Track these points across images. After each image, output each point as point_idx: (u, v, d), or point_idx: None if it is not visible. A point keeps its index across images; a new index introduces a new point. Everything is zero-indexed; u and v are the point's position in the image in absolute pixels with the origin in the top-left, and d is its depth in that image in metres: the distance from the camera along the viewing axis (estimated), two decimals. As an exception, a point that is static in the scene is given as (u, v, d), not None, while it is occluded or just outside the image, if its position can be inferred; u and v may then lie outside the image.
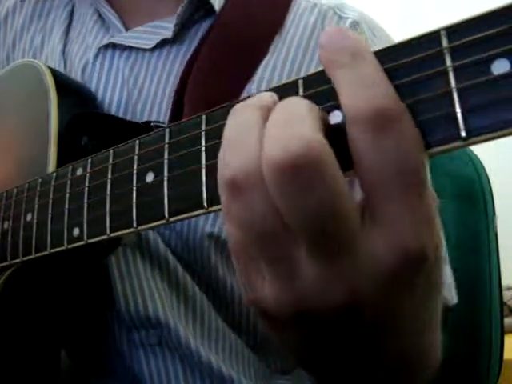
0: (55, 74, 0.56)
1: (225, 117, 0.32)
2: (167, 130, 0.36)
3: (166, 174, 0.35)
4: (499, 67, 0.25)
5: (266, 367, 0.64)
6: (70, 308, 0.55)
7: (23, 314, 0.52)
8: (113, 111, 0.60)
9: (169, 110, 0.59)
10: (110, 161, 0.39)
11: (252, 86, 0.59)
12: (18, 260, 0.48)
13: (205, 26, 0.62)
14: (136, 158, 0.37)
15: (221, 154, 0.29)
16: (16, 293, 0.51)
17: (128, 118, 0.59)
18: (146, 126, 0.53)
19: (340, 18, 0.63)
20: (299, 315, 0.29)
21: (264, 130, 0.27)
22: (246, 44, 0.60)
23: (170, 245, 0.58)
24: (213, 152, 0.32)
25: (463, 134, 0.25)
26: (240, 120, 0.29)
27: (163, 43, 0.62)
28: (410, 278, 0.28)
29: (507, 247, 0.95)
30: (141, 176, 0.37)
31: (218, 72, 0.59)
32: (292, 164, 0.25)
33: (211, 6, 0.61)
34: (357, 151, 0.26)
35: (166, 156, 0.35)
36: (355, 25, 0.63)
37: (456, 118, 0.25)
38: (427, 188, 0.27)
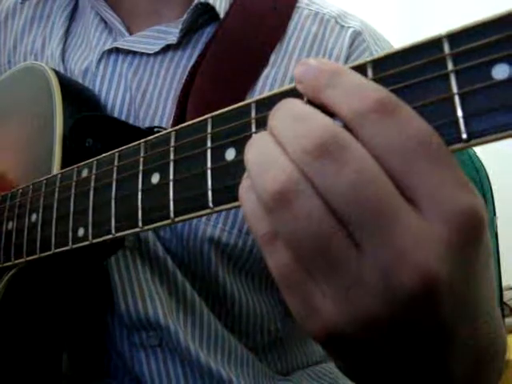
0: (60, 75, 0.56)
1: (230, 120, 0.33)
2: (173, 132, 0.36)
3: (171, 175, 0.35)
4: (500, 72, 0.25)
5: (266, 369, 0.65)
6: (71, 309, 0.55)
7: (26, 314, 0.52)
8: (115, 115, 0.61)
9: (172, 115, 0.59)
10: (116, 162, 0.40)
11: (253, 95, 0.59)
12: (21, 260, 0.48)
13: (208, 31, 0.63)
14: (142, 159, 0.38)
15: (252, 183, 0.28)
16: (19, 292, 0.51)
17: (131, 121, 0.60)
18: (149, 132, 0.53)
19: (342, 27, 0.63)
20: (377, 328, 0.27)
21: (280, 141, 0.28)
22: (248, 52, 0.61)
23: (170, 249, 0.58)
24: (218, 154, 0.33)
25: (464, 136, 0.26)
26: (257, 146, 0.29)
27: (166, 48, 0.62)
28: (474, 241, 0.26)
29: (507, 247, 0.95)
30: (146, 177, 0.37)
31: (221, 79, 0.59)
32: (319, 141, 0.26)
33: (216, 13, 0.61)
34: (373, 144, 0.26)
35: (171, 158, 0.36)
36: (357, 34, 0.63)
37: (458, 122, 0.26)
38: (449, 151, 0.26)
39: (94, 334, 0.59)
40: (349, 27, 0.63)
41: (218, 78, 0.59)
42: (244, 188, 0.29)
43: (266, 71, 0.60)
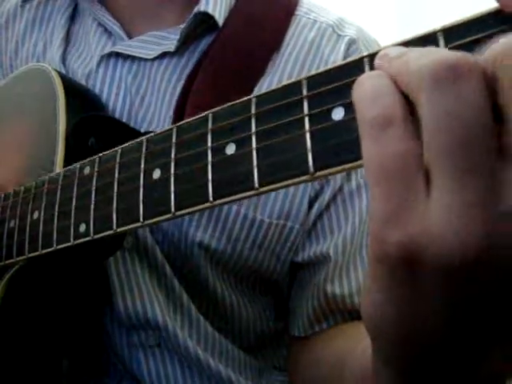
0: (63, 77, 0.57)
1: (230, 115, 0.34)
2: (174, 129, 0.37)
3: (172, 170, 0.36)
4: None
5: (263, 365, 0.65)
6: (71, 310, 0.55)
7: (25, 314, 0.52)
8: (116, 117, 0.61)
9: (167, 119, 0.60)
10: (118, 159, 0.41)
11: None
12: (23, 257, 0.48)
13: (206, 40, 0.63)
14: (143, 155, 0.38)
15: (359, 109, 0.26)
16: (20, 292, 0.51)
17: (130, 125, 0.60)
18: None
19: (339, 36, 0.64)
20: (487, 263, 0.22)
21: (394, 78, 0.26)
22: (246, 60, 0.61)
23: (163, 251, 0.59)
24: (219, 148, 0.34)
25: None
26: (370, 82, 0.27)
27: (164, 54, 0.63)
28: None
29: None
30: (148, 173, 0.38)
31: (219, 87, 0.59)
32: (452, 66, 0.23)
33: (215, 21, 0.62)
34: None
35: (173, 153, 0.36)
36: (352, 42, 0.64)
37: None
38: None
39: (92, 334, 0.59)
40: (345, 36, 0.64)
41: (216, 85, 0.60)
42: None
43: (263, 78, 0.61)
